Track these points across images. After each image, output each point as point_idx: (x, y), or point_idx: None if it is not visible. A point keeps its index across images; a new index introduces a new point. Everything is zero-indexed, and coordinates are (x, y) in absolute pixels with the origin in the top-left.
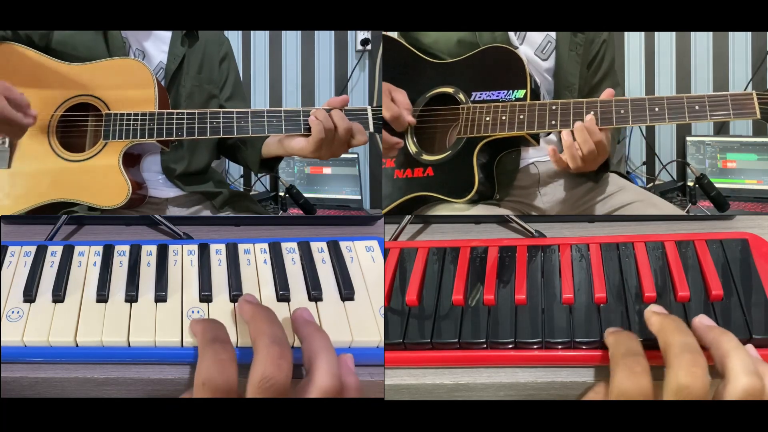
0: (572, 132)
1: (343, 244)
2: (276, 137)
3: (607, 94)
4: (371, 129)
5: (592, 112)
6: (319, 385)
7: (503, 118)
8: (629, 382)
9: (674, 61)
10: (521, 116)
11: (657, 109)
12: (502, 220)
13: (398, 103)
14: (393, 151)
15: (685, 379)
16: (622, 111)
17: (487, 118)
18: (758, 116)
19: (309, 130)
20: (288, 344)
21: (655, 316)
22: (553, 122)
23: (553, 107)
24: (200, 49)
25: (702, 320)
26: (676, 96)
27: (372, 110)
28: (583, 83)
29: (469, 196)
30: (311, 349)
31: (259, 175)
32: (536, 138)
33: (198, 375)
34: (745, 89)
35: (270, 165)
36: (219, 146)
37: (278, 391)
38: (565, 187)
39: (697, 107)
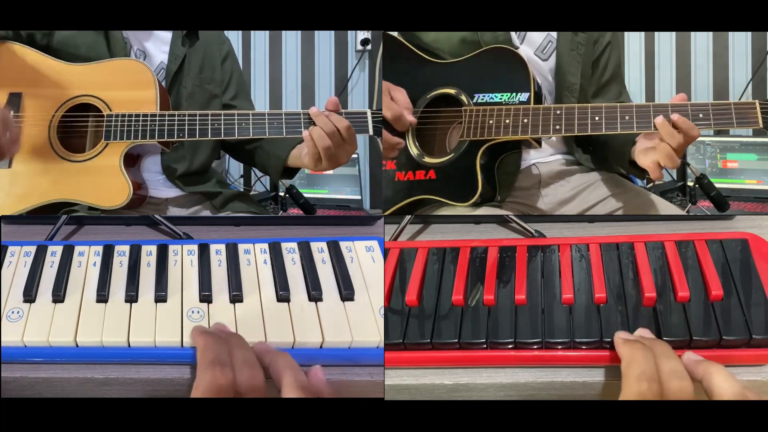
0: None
1: (343, 244)
2: (299, 150)
3: (679, 98)
4: (371, 132)
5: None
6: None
7: (507, 121)
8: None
9: (674, 61)
10: (525, 120)
11: None
12: (502, 221)
13: (398, 102)
14: (394, 152)
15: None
16: (627, 117)
17: (491, 122)
18: (761, 125)
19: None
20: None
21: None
22: (557, 127)
23: (558, 111)
24: (201, 49)
25: (689, 356)
26: (680, 104)
27: (372, 113)
28: (586, 84)
29: (472, 200)
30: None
31: (259, 175)
32: (538, 140)
33: (194, 395)
34: (744, 90)
35: (291, 172)
36: (232, 149)
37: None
38: (566, 187)
39: (701, 115)
